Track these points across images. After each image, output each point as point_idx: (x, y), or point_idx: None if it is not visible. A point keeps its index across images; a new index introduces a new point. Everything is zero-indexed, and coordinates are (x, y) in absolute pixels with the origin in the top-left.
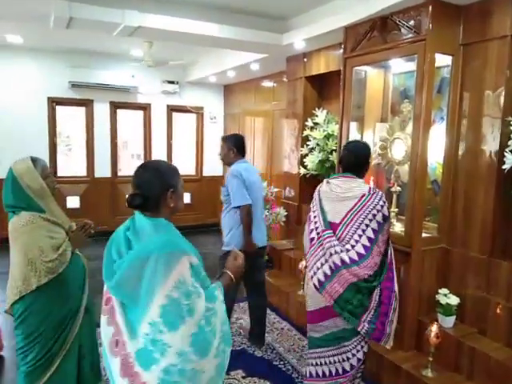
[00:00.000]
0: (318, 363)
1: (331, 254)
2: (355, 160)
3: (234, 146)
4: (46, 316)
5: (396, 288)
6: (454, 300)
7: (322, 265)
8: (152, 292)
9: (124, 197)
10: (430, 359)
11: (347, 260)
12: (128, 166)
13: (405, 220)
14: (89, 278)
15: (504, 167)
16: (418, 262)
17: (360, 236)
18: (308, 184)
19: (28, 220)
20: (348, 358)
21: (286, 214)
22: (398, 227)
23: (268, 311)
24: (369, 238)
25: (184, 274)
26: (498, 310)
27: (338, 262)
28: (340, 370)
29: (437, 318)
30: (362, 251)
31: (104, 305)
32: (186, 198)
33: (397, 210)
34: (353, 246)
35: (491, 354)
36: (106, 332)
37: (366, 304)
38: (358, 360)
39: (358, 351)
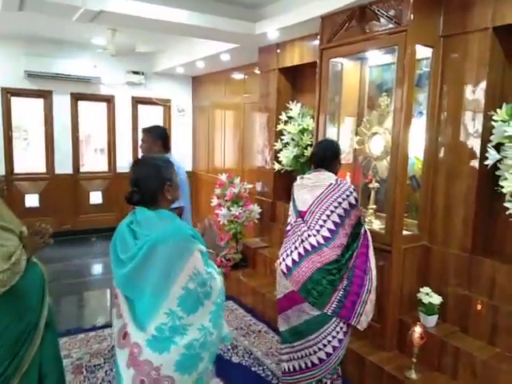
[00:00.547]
0: (291, 358)
1: (302, 241)
2: (324, 155)
3: (160, 139)
4: None
5: (372, 270)
6: (436, 299)
7: (292, 252)
8: (166, 285)
9: (87, 194)
10: (414, 360)
11: (315, 244)
12: (91, 162)
13: (385, 217)
14: (53, 282)
15: (486, 163)
16: (399, 261)
17: (325, 221)
18: (283, 180)
19: None
20: (319, 349)
21: (260, 210)
22: (376, 224)
23: (243, 313)
24: (334, 223)
25: (197, 266)
26: (479, 307)
27: (308, 247)
28: (316, 361)
29: (418, 317)
30: (328, 234)
31: (115, 298)
32: None
33: (375, 206)
34: (318, 231)
35: (475, 354)
36: (115, 324)
37: (336, 284)
38: (334, 348)
39: (333, 337)
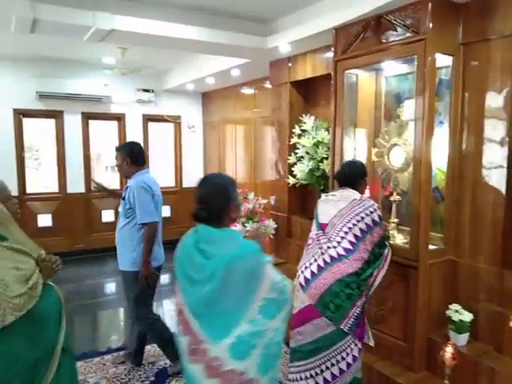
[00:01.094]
0: (299, 378)
1: (322, 253)
2: (350, 173)
3: (128, 156)
4: (13, 362)
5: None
6: (467, 316)
7: (311, 264)
8: (248, 298)
9: (99, 212)
10: (446, 382)
11: (335, 255)
12: (103, 180)
13: (410, 231)
14: (66, 303)
15: None
16: (426, 276)
17: (346, 233)
18: (297, 194)
19: None
20: (332, 365)
21: (275, 226)
22: (399, 239)
23: None
24: (355, 236)
25: (273, 276)
26: (511, 322)
27: (328, 259)
28: (329, 377)
29: (448, 336)
30: (349, 246)
31: (177, 316)
32: (166, 211)
33: (397, 220)
34: (339, 243)
35: None
36: (182, 341)
37: (354, 299)
38: (348, 364)
39: (347, 354)
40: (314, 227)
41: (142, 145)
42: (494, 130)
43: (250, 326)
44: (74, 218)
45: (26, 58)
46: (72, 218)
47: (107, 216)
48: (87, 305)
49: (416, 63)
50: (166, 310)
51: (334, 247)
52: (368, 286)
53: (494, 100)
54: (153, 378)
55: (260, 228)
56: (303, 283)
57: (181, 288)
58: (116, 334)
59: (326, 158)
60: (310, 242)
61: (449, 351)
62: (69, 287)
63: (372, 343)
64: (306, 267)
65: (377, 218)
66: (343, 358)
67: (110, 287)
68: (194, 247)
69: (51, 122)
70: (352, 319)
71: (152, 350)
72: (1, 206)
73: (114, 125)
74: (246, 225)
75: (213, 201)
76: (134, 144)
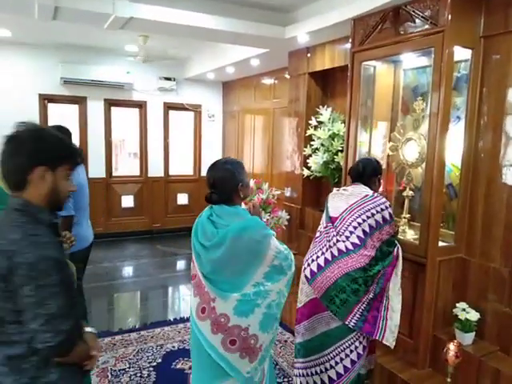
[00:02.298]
0: (305, 374)
1: (330, 246)
2: (363, 170)
3: None
4: None
5: (388, 290)
6: (473, 315)
7: (318, 257)
8: (255, 264)
9: (119, 198)
10: (449, 380)
11: (344, 249)
12: (125, 166)
13: (420, 227)
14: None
15: None
16: (434, 273)
17: (355, 228)
18: (312, 186)
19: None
20: (336, 363)
21: (288, 217)
22: (410, 234)
23: None
24: (364, 231)
25: (278, 246)
26: None
27: (336, 253)
28: (334, 376)
29: (454, 334)
30: (357, 241)
31: (192, 280)
32: (184, 199)
33: (409, 215)
34: (347, 237)
35: None
36: (193, 302)
37: (360, 294)
38: (352, 361)
39: (351, 351)
40: (323, 220)
41: (162, 132)
42: None
43: (254, 288)
44: (95, 203)
45: (51, 44)
46: (92, 203)
47: (127, 201)
48: (102, 287)
49: (433, 56)
50: (182, 294)
51: (343, 241)
52: (375, 282)
53: None
54: (160, 360)
55: (253, 202)
56: (309, 276)
57: (195, 255)
58: (128, 316)
59: (341, 151)
60: (317, 234)
61: (452, 349)
62: (90, 269)
63: (388, 343)
64: (312, 260)
65: (387, 216)
66: (347, 355)
67: (127, 271)
68: (207, 219)
69: (75, 107)
70: (357, 315)
71: (161, 332)
72: None
73: (135, 112)
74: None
75: (223, 184)
76: (60, 128)
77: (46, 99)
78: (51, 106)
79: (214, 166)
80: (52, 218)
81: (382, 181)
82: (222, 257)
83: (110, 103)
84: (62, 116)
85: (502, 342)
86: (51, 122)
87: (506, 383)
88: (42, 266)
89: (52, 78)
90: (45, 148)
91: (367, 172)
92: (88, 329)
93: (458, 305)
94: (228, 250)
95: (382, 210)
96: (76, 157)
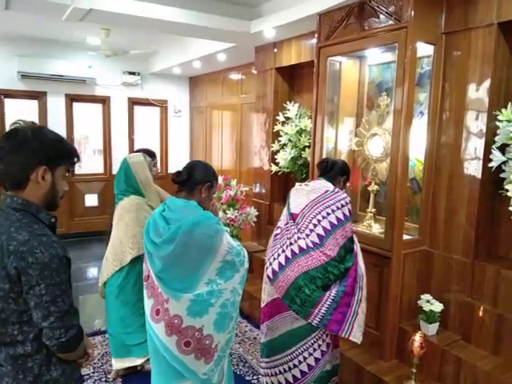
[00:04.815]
0: (270, 373)
1: (291, 243)
2: (330, 167)
3: None
4: (139, 288)
5: (364, 277)
6: (437, 306)
7: (279, 255)
8: (206, 260)
9: (83, 197)
10: (414, 370)
11: (304, 247)
12: (90, 163)
13: (385, 221)
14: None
15: (490, 165)
16: (399, 266)
17: (315, 226)
18: (280, 182)
19: (136, 202)
20: (300, 362)
21: (256, 213)
22: (375, 228)
23: (239, 319)
24: (324, 229)
25: (230, 241)
26: (481, 313)
27: (296, 250)
28: (298, 374)
29: (419, 325)
30: (317, 240)
31: (144, 281)
32: None
33: (374, 209)
34: (307, 235)
35: (478, 364)
36: (147, 304)
37: (319, 294)
38: (316, 359)
39: (314, 350)
40: (283, 216)
41: (127, 128)
42: (472, 122)
43: (208, 285)
44: None
45: (7, 36)
46: None
47: (91, 200)
48: None
49: (397, 52)
50: None
51: (303, 238)
52: (336, 284)
53: (474, 91)
54: None
55: (215, 204)
56: (271, 276)
57: (147, 254)
58: (93, 319)
59: (309, 147)
60: (278, 231)
61: (417, 340)
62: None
63: (356, 339)
64: (274, 258)
65: (347, 213)
66: (310, 354)
67: (91, 272)
68: (159, 215)
69: (34, 103)
70: (322, 313)
71: None
72: (148, 173)
73: (98, 108)
74: (228, 212)
75: (196, 170)
76: None
77: (2, 94)
78: (8, 102)
79: (197, 160)
80: (50, 217)
81: (347, 184)
82: (173, 253)
83: (71, 99)
84: (21, 112)
85: (464, 330)
86: (8, 119)
87: (467, 370)
88: (54, 264)
89: (8, 72)
90: (48, 147)
91: (334, 169)
92: None
93: (422, 296)
94: (179, 246)
95: (342, 205)
96: (74, 157)
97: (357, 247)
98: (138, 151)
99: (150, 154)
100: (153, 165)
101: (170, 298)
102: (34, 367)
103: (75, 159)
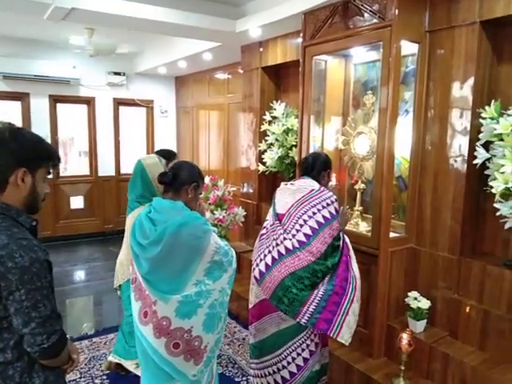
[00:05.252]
0: (260, 375)
1: (277, 244)
2: (312, 164)
3: None
4: None
5: (357, 279)
6: (424, 303)
7: (265, 256)
8: (194, 261)
9: (68, 199)
10: (402, 368)
11: (290, 247)
12: (76, 165)
13: (372, 219)
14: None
15: (475, 162)
16: (386, 264)
17: (301, 226)
18: (267, 182)
19: None
20: (289, 363)
21: (244, 213)
22: (362, 226)
23: (228, 319)
24: (311, 228)
25: (217, 241)
26: (467, 310)
27: (283, 251)
28: (287, 376)
29: (407, 323)
30: (303, 239)
31: (131, 284)
32: None
33: (361, 208)
34: (294, 236)
35: (465, 360)
36: (135, 307)
37: (307, 293)
38: (305, 359)
39: (303, 350)
40: (269, 217)
41: (112, 129)
42: (457, 119)
43: (196, 286)
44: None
45: None
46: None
47: (76, 203)
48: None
49: (382, 50)
50: None
51: (290, 239)
52: (324, 283)
53: (458, 89)
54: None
55: (201, 204)
56: (258, 277)
57: (134, 256)
58: (79, 324)
59: (296, 146)
60: (263, 231)
61: (405, 338)
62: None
63: (343, 340)
64: (260, 259)
65: (333, 211)
66: (299, 354)
67: (77, 275)
68: (145, 217)
69: (17, 104)
70: (310, 311)
71: (115, 338)
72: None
73: (83, 109)
74: (215, 212)
75: (182, 170)
76: None
77: None
78: None
79: (184, 161)
80: (31, 220)
81: (331, 175)
82: (160, 254)
83: (55, 99)
84: (4, 113)
85: (451, 327)
86: None
87: (454, 366)
88: (35, 269)
89: None
90: (27, 149)
91: (317, 166)
92: None
93: (409, 294)
94: (166, 247)
95: (328, 204)
96: (55, 158)
97: (349, 250)
98: (158, 152)
99: (169, 154)
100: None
101: (157, 300)
102: (15, 375)
103: (56, 161)
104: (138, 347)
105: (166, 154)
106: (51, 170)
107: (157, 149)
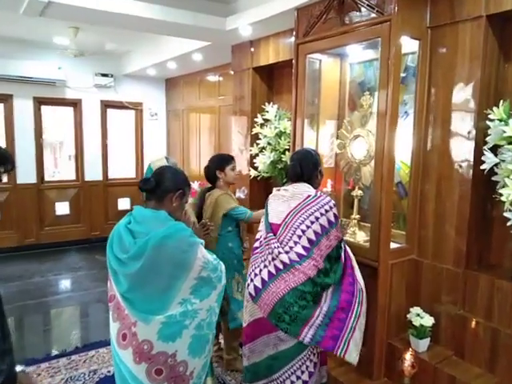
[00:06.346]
0: None
1: (273, 258)
2: (301, 169)
3: None
4: None
5: (363, 292)
6: (427, 320)
7: (261, 271)
8: (180, 277)
9: (53, 205)
10: None
11: (287, 261)
12: (65, 169)
13: (370, 228)
14: (7, 304)
15: (483, 167)
16: (386, 277)
17: (299, 237)
18: (259, 187)
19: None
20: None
21: None
22: (360, 236)
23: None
24: (309, 240)
25: (206, 255)
26: (474, 327)
27: (280, 266)
28: None
29: (408, 341)
30: (302, 251)
31: (109, 302)
32: (126, 203)
33: (358, 216)
34: (291, 248)
35: (472, 383)
36: (112, 328)
37: (310, 310)
38: (304, 382)
39: (302, 372)
40: (262, 227)
41: (100, 133)
42: (461, 122)
43: (181, 305)
44: (25, 211)
45: None
46: (22, 211)
47: (62, 208)
48: (30, 305)
49: (380, 47)
50: None
51: (287, 252)
52: (327, 296)
53: (461, 90)
54: None
55: (188, 214)
56: (253, 293)
57: (111, 272)
58: (58, 340)
59: (289, 150)
60: (257, 244)
61: (408, 359)
62: (12, 286)
63: (351, 358)
64: (255, 274)
65: (332, 218)
66: (298, 378)
67: (62, 286)
68: (124, 228)
69: None
70: (313, 329)
71: (96, 355)
72: None
73: (69, 111)
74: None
75: (166, 176)
76: None
77: None
78: None
79: (167, 166)
80: None
81: (322, 171)
82: (141, 270)
83: (39, 102)
84: None
85: (456, 345)
86: None
87: None
88: None
89: None
90: None
91: (305, 169)
92: (17, 368)
93: (411, 310)
94: (148, 262)
95: (327, 211)
96: (8, 163)
97: (352, 260)
98: (216, 156)
99: (223, 159)
100: (230, 168)
101: (137, 321)
102: None
103: (8, 166)
104: (117, 373)
105: (226, 157)
106: (1, 176)
107: (147, 153)
